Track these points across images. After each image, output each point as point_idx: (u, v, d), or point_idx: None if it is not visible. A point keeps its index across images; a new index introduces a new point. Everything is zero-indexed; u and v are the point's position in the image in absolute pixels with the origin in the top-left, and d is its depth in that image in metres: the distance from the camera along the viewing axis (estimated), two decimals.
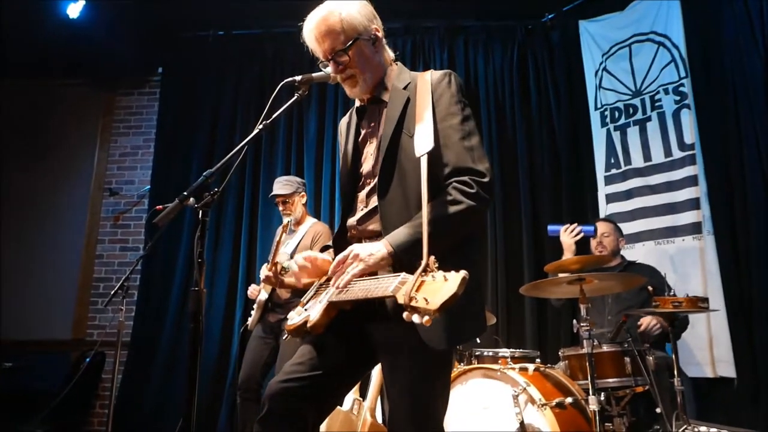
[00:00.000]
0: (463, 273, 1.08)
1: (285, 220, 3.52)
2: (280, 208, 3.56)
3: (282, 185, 3.51)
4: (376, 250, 1.34)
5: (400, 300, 1.10)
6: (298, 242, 3.46)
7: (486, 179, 1.40)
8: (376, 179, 1.48)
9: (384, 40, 1.63)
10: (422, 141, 1.41)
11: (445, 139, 1.44)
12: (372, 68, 1.57)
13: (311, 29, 1.54)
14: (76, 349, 4.72)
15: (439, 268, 1.13)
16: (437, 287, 1.08)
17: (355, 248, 1.37)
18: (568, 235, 3.30)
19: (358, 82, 1.56)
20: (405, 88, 1.55)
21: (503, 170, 4.56)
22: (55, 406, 4.04)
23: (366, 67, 1.56)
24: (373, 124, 1.61)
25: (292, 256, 3.41)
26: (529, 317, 4.17)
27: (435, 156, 1.42)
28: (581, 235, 3.31)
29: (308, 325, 1.44)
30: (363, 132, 1.64)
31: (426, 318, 1.06)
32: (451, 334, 1.35)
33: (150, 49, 5.08)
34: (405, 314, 1.10)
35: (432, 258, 1.16)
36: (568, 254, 3.29)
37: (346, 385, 1.58)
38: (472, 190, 1.38)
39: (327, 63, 1.58)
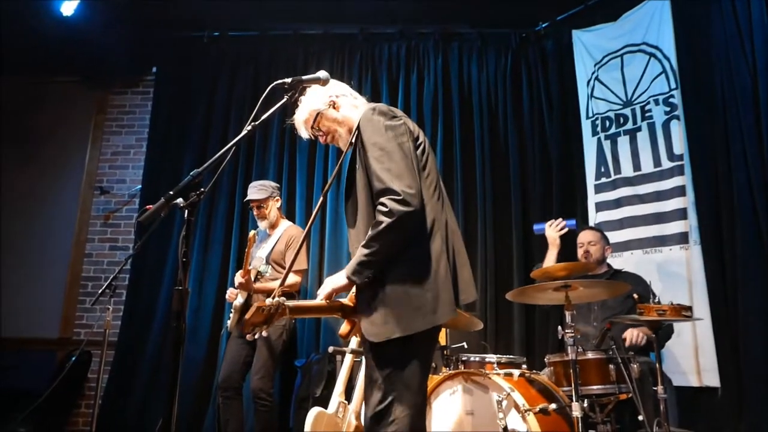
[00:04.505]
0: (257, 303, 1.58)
1: (259, 224, 3.61)
2: (255, 213, 3.61)
3: (256, 190, 3.54)
4: (338, 278, 1.71)
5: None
6: (272, 246, 3.52)
7: (400, 196, 1.58)
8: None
9: (345, 97, 1.95)
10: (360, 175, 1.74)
11: (371, 169, 1.68)
12: (340, 124, 1.92)
13: (297, 125, 2.03)
14: (63, 348, 4.69)
15: (281, 295, 1.61)
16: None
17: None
18: (553, 230, 3.50)
19: (336, 139, 1.94)
20: (358, 125, 1.80)
21: (494, 176, 4.58)
22: (39, 405, 4.00)
23: (335, 126, 1.93)
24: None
25: (267, 261, 3.48)
26: (518, 323, 4.18)
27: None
28: (566, 229, 3.50)
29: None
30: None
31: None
32: (386, 330, 1.58)
33: (144, 49, 5.08)
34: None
35: (278, 289, 1.63)
36: (553, 248, 3.47)
37: None
38: (386, 209, 1.59)
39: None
